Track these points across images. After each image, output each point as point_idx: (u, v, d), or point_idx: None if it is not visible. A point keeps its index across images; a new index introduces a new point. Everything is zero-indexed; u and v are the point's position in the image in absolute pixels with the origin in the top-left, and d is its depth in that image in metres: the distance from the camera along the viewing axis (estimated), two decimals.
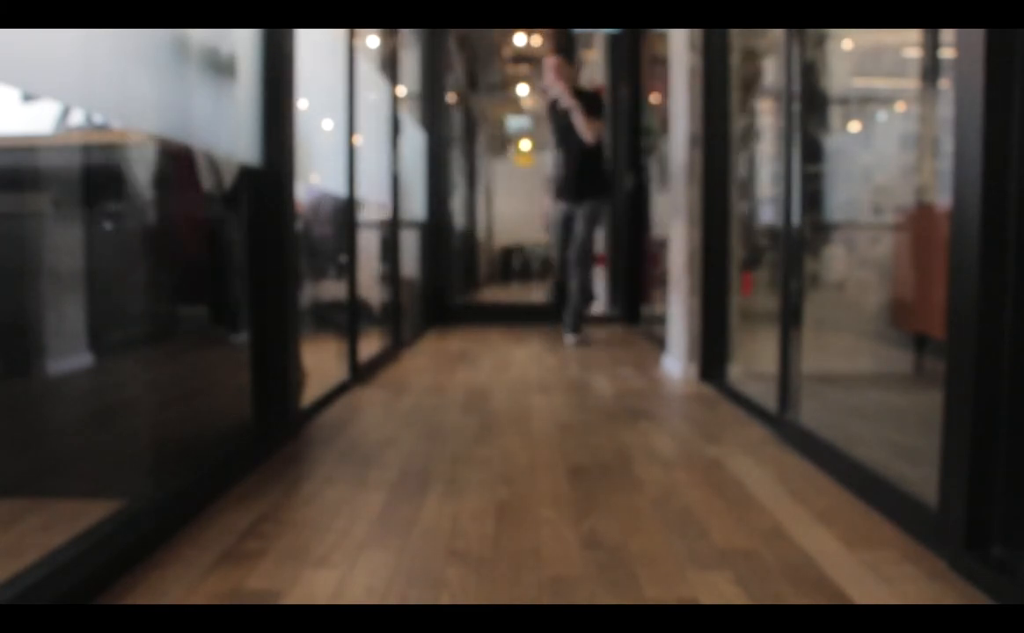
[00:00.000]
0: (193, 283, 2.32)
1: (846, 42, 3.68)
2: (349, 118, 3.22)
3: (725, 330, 3.27)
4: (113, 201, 2.02)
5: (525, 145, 12.83)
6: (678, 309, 3.47)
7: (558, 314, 4.86)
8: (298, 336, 2.36)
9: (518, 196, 11.75)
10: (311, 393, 2.62)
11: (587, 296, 4.77)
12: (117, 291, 2.01)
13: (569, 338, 4.59)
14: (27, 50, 1.19)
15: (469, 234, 9.12)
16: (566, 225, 4.66)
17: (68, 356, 1.94)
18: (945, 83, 3.08)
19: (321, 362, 3.12)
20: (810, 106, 2.43)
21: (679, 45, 3.44)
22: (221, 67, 1.94)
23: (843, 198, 3.48)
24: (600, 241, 6.62)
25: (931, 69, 3.20)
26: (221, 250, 2.39)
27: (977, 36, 1.31)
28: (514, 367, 3.71)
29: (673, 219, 3.57)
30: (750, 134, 3.51)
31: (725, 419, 2.64)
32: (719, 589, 1.32)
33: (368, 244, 4.14)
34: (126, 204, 2.05)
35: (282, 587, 1.33)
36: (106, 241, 2.01)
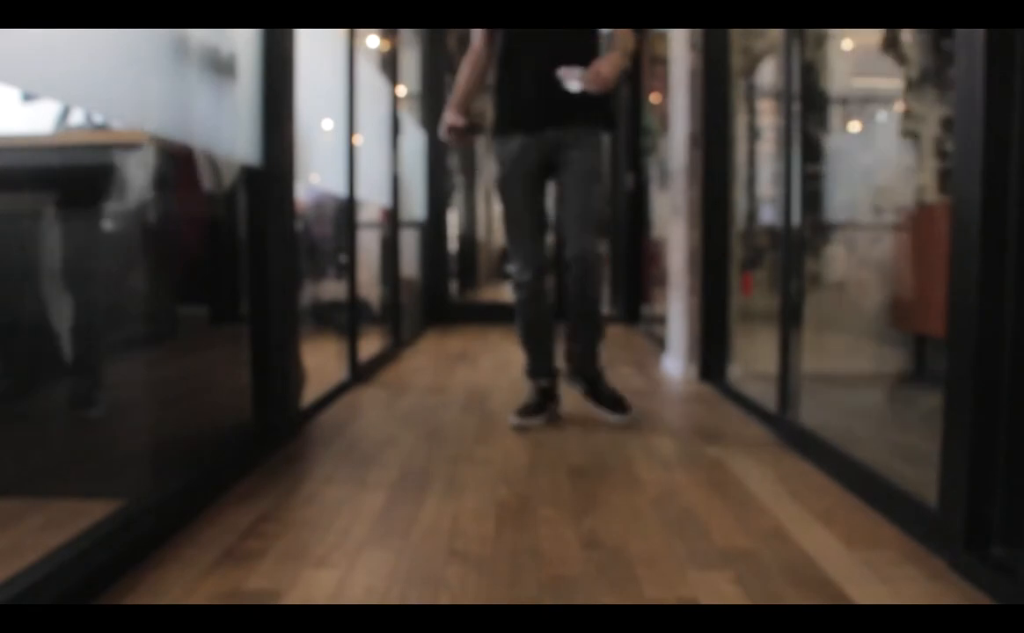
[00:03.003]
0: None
1: (846, 42, 3.68)
2: (349, 118, 3.22)
3: (725, 330, 3.27)
4: (111, 201, 2.02)
5: None
6: (678, 309, 3.47)
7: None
8: (298, 336, 2.36)
9: None
10: (311, 393, 2.62)
11: (594, 339, 2.57)
12: (117, 291, 2.01)
13: (610, 416, 2.53)
14: (26, 49, 1.19)
15: (469, 234, 9.12)
16: (535, 186, 2.51)
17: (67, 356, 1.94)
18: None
19: (321, 362, 3.12)
20: (810, 106, 2.43)
21: (679, 45, 3.44)
22: (221, 67, 1.94)
23: (843, 198, 3.48)
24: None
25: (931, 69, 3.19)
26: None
27: (977, 36, 1.31)
28: (514, 367, 3.71)
29: (673, 219, 3.57)
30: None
31: (725, 419, 2.64)
32: (719, 589, 1.32)
33: (368, 244, 4.14)
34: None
35: (282, 587, 1.33)
36: (104, 241, 2.01)
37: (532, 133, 2.45)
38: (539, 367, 2.59)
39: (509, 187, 2.51)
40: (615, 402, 2.54)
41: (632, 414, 2.52)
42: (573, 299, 2.50)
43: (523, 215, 2.50)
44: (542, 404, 2.56)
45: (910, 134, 3.13)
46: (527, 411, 2.53)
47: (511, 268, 2.54)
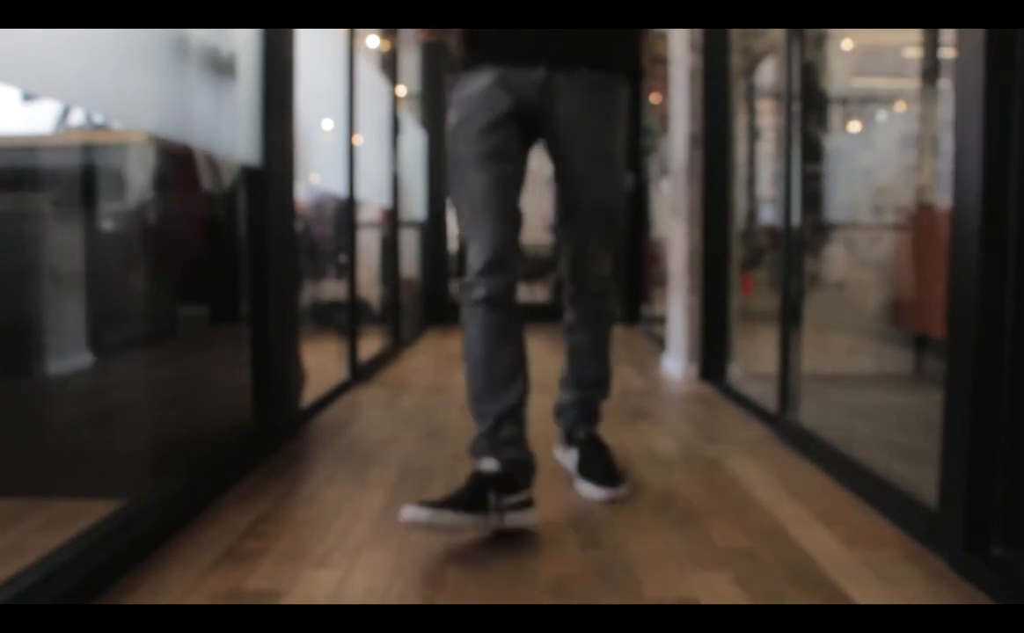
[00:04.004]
0: None
1: (846, 42, 3.69)
2: (349, 118, 3.22)
3: (725, 330, 3.28)
4: (111, 201, 2.02)
5: None
6: (678, 309, 3.47)
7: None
8: (298, 336, 2.36)
9: None
10: (311, 393, 2.62)
11: (604, 384, 1.94)
12: (117, 291, 2.01)
13: (598, 491, 1.78)
14: (26, 49, 1.19)
15: None
16: (506, 148, 1.62)
17: (67, 356, 1.94)
18: (945, 83, 3.08)
19: (321, 362, 3.12)
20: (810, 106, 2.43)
21: (679, 45, 3.44)
22: (221, 67, 1.94)
23: (843, 198, 3.48)
24: None
25: (931, 69, 3.20)
26: None
27: (977, 36, 1.31)
28: None
29: (673, 219, 3.57)
30: None
31: (725, 419, 2.64)
32: (719, 589, 1.32)
33: (368, 244, 4.14)
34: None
35: (282, 587, 1.33)
36: (105, 241, 2.01)
37: (505, 65, 1.60)
38: (490, 435, 1.60)
39: (462, 143, 1.62)
40: (606, 473, 1.81)
41: (624, 488, 1.80)
42: (573, 345, 1.90)
43: (481, 186, 1.59)
44: (479, 497, 1.50)
45: None
46: (441, 500, 1.48)
47: (467, 271, 1.63)
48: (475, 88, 1.63)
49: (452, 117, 1.68)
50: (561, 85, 1.64)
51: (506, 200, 1.62)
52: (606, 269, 1.83)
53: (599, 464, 1.84)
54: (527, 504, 1.55)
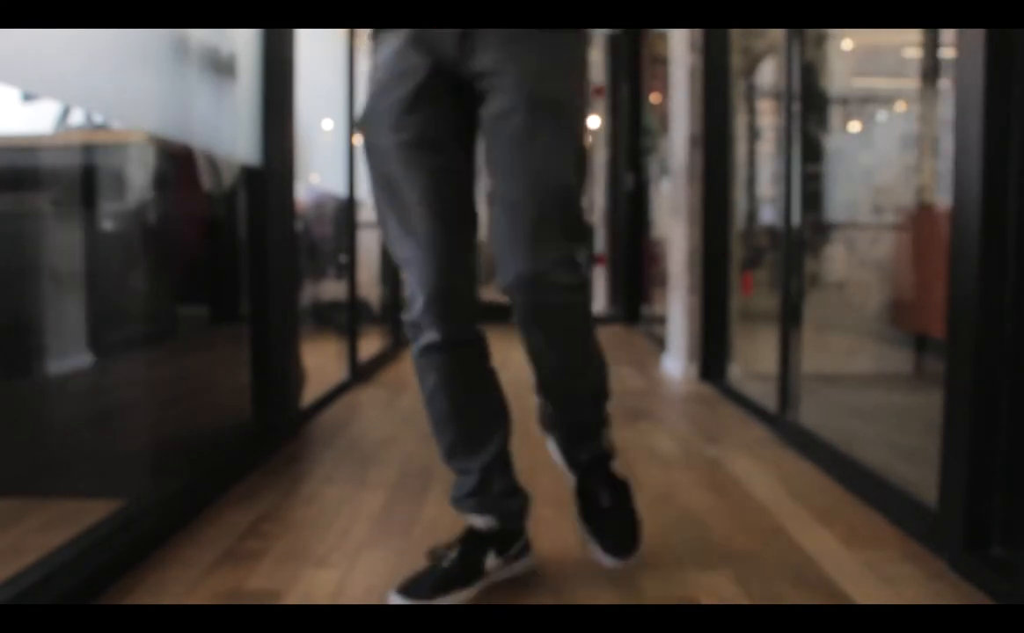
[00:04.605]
0: None
1: (846, 42, 3.68)
2: (349, 118, 3.22)
3: (725, 330, 3.28)
4: (111, 201, 2.02)
5: None
6: (678, 309, 3.47)
7: None
8: (298, 336, 2.36)
9: None
10: (311, 393, 2.62)
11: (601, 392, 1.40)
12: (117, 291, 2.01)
13: (606, 559, 1.34)
14: (26, 49, 1.19)
15: None
16: (433, 133, 1.22)
17: (67, 356, 1.94)
18: (945, 83, 3.08)
19: (321, 362, 3.12)
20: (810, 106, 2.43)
21: (679, 45, 3.44)
22: (221, 67, 1.94)
23: (843, 198, 3.48)
24: (599, 239, 6.60)
25: (931, 69, 3.20)
26: None
27: (977, 36, 1.31)
28: (513, 367, 3.70)
29: (673, 219, 3.57)
30: None
31: (725, 419, 2.64)
32: (719, 589, 1.32)
33: (368, 244, 4.14)
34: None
35: (282, 587, 1.33)
36: (104, 241, 2.01)
37: (417, 27, 1.23)
38: (479, 492, 1.34)
39: (377, 130, 1.24)
40: (619, 539, 1.36)
41: (635, 555, 1.37)
42: (531, 359, 1.37)
43: (409, 187, 1.22)
44: (473, 565, 1.31)
45: None
46: (430, 581, 1.29)
47: (408, 306, 1.31)
48: (385, 54, 1.25)
49: (365, 98, 1.28)
50: (485, 36, 1.20)
51: (446, 201, 1.24)
52: (557, 258, 1.19)
53: (603, 521, 1.37)
54: (526, 549, 1.40)
